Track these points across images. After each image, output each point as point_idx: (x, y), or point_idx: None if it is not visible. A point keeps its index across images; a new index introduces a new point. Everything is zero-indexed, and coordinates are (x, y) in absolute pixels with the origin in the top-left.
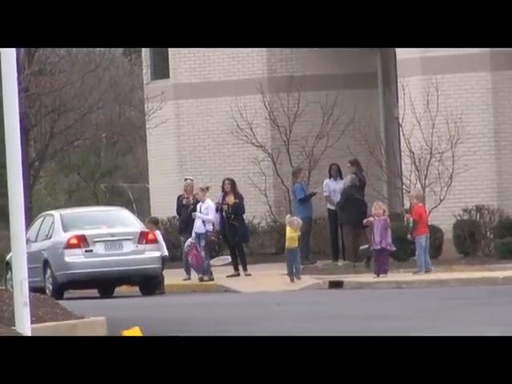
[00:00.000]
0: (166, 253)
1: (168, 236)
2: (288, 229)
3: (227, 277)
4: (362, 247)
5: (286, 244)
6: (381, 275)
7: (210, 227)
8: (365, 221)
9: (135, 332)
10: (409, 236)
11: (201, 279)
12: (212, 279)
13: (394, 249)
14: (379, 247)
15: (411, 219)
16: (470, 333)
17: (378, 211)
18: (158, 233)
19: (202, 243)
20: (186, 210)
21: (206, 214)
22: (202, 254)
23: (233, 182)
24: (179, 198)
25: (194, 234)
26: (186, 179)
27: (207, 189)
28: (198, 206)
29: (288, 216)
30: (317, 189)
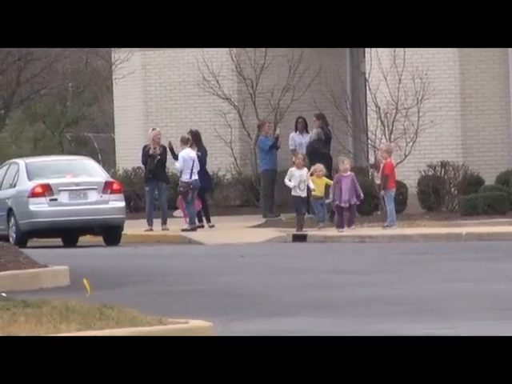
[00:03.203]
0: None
1: (133, 186)
2: (313, 178)
3: (182, 230)
4: (326, 201)
5: (313, 193)
6: (352, 227)
7: (184, 177)
8: (335, 178)
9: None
10: (382, 192)
11: (183, 229)
12: (194, 229)
13: (363, 197)
14: (347, 205)
15: (377, 174)
16: (427, 288)
17: (346, 166)
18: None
19: (189, 194)
20: (152, 160)
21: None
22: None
23: (195, 135)
24: (145, 148)
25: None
26: (153, 129)
27: (187, 140)
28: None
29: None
30: (281, 141)
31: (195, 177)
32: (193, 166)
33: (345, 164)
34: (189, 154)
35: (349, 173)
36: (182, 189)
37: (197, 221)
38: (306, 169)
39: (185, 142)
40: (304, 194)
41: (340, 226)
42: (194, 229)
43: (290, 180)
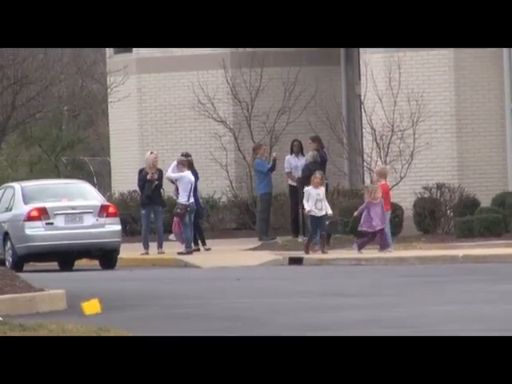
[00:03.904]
0: None
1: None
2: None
3: (178, 254)
4: (327, 222)
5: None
6: (388, 249)
7: (182, 200)
8: (361, 208)
9: (94, 304)
10: None
11: (180, 253)
12: (190, 252)
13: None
14: (380, 227)
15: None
16: (427, 311)
17: (379, 195)
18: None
19: (186, 216)
20: (150, 185)
21: (178, 186)
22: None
23: (187, 160)
24: (141, 172)
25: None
26: (151, 153)
27: (186, 162)
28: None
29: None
30: (277, 164)
31: (192, 200)
32: (191, 189)
33: (378, 193)
34: (189, 176)
35: (379, 199)
36: (179, 210)
37: (192, 244)
38: (323, 188)
39: (185, 164)
40: (321, 214)
41: (361, 247)
42: (190, 252)
43: (307, 200)
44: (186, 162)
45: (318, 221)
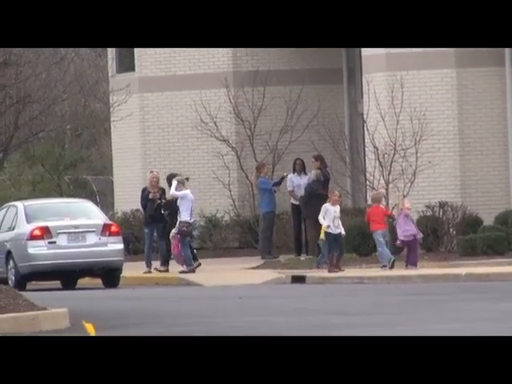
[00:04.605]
0: None
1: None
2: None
3: (180, 272)
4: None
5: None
6: (411, 266)
7: (184, 218)
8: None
9: (89, 328)
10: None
11: (181, 271)
12: (192, 270)
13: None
14: (420, 235)
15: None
16: (429, 329)
17: (407, 205)
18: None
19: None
20: (152, 205)
21: (181, 204)
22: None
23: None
24: (144, 191)
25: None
26: (151, 171)
27: (187, 179)
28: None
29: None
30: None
31: (194, 218)
32: (192, 207)
33: (405, 203)
34: (191, 195)
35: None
36: (184, 228)
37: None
38: (338, 206)
39: (184, 184)
40: (337, 231)
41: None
42: (192, 270)
43: (324, 217)
44: (185, 182)
45: (334, 238)
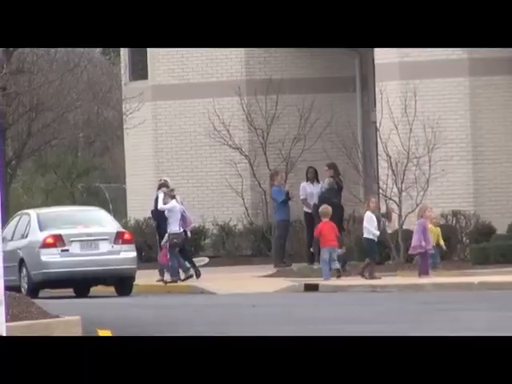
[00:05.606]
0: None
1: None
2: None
3: (182, 280)
4: (340, 250)
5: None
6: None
7: (173, 229)
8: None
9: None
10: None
11: (166, 281)
12: (175, 281)
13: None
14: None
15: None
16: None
17: (432, 214)
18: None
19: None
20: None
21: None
22: (168, 255)
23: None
24: (157, 200)
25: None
26: (160, 180)
27: (172, 191)
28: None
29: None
30: (292, 192)
31: (182, 229)
32: (181, 218)
33: (431, 212)
34: (179, 206)
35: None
36: (175, 240)
37: (192, 271)
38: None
39: (171, 195)
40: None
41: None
42: (175, 281)
43: (369, 223)
44: (173, 193)
45: (376, 244)
